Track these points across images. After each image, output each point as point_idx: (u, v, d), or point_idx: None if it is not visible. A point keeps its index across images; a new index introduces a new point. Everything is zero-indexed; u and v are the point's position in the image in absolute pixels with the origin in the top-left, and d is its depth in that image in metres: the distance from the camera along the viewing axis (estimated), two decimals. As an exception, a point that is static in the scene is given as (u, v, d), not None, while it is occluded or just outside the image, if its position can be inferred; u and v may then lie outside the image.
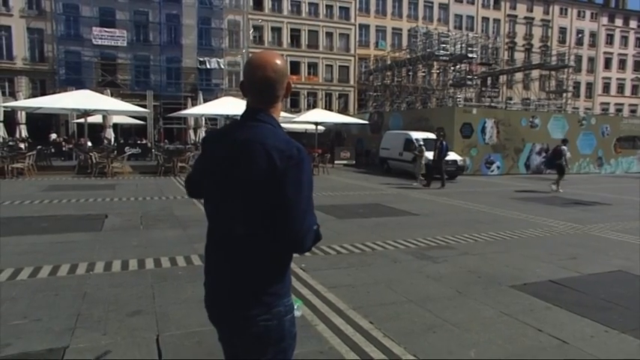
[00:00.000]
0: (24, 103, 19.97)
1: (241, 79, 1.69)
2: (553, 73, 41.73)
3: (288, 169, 1.51)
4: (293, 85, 1.75)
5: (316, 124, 23.06)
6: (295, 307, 1.74)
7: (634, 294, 4.79)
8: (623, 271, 5.63)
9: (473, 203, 11.35)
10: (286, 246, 1.60)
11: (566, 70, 40.41)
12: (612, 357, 3.33)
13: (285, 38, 41.64)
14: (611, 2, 57.33)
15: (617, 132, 24.88)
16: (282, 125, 1.68)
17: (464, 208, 10.73)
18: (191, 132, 27.51)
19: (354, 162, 24.88)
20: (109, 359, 3.13)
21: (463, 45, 35.35)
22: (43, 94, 28.18)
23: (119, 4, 35.41)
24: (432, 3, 47.43)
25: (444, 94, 38.63)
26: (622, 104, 55.78)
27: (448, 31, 42.64)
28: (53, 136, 27.35)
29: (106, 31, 34.58)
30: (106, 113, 19.93)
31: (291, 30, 41.97)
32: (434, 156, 15.10)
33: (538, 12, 52.20)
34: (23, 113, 21.86)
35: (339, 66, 44.25)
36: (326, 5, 43.07)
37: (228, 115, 19.25)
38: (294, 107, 39.23)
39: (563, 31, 53.65)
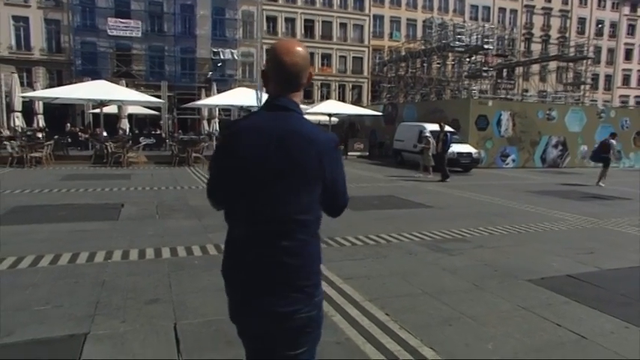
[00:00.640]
0: (41, 93, 20.28)
1: (261, 68, 1.68)
2: (571, 64, 40.99)
3: (330, 152, 1.63)
4: None
5: (330, 115, 22.98)
6: None
7: (654, 290, 4.70)
8: (643, 266, 5.52)
9: (487, 196, 11.24)
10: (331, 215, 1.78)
11: (584, 61, 39.64)
12: (634, 353, 3.28)
13: (299, 29, 41.47)
14: (633, -9, 55.92)
15: (638, 125, 24.34)
16: None
17: (478, 200, 10.63)
18: (205, 122, 27.65)
19: (367, 153, 24.76)
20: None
21: (479, 36, 34.90)
22: (60, 84, 28.52)
23: (134, -5, 35.63)
24: (448, -7, 46.79)
25: (459, 86, 38.21)
26: (643, 97, 54.61)
27: (464, 21, 42.09)
28: (68, 125, 27.70)
29: (121, 22, 34.81)
30: (121, 103, 20.11)
31: (305, 21, 41.79)
32: (437, 148, 14.92)
33: (557, 2, 51.12)
34: (41, 103, 22.19)
35: (353, 57, 43.97)
36: (340, -5, 42.76)
37: (242, 106, 19.26)
38: (308, 98, 39.12)
39: (582, 21, 52.47)
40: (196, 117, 33.02)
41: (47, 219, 7.26)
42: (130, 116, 26.15)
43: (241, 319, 1.68)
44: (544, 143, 21.72)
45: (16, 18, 33.60)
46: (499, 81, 43.07)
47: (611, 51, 53.57)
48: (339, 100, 36.00)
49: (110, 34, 34.68)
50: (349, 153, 23.78)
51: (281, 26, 40.92)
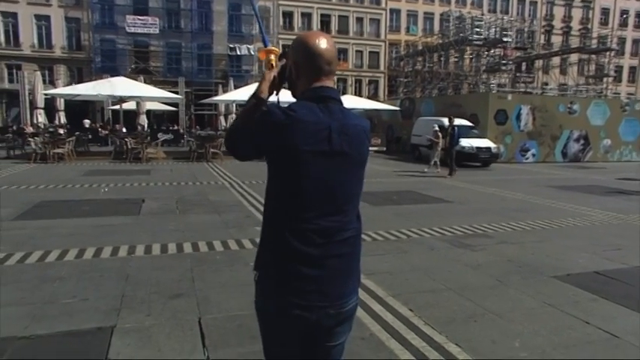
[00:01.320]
0: (63, 90, 20.65)
1: (274, 64, 1.65)
2: (593, 56, 39.99)
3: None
4: None
5: (346, 110, 22.78)
6: None
7: (686, 287, 4.57)
8: (673, 263, 5.37)
9: (508, 191, 11.07)
10: None
11: (607, 53, 38.63)
12: (666, 352, 3.19)
13: (315, 24, 41.30)
14: (660, -20, 54.14)
15: (663, 118, 23.65)
16: None
17: (499, 195, 10.48)
18: (222, 118, 27.78)
19: (384, 149, 24.59)
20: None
21: (497, 29, 34.28)
22: (80, 81, 28.99)
23: (152, -8, 35.94)
24: (466, -14, 46.04)
25: (477, 80, 37.64)
26: (668, 89, 52.99)
27: (482, 14, 41.27)
28: (87, 122, 28.16)
29: (139, 19, 35.16)
30: (140, 100, 20.35)
31: (321, 15, 41.59)
32: (445, 143, 14.70)
33: (579, -8, 49.86)
34: (62, 100, 22.61)
35: (370, 52, 43.64)
36: (356, -10, 42.44)
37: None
38: (324, 93, 38.97)
39: (605, 12, 51.03)
40: (213, 113, 33.20)
41: (71, 214, 7.39)
42: (148, 112, 26.48)
43: (295, 311, 1.50)
44: (565, 137, 21.29)
45: (38, 17, 34.20)
46: (518, 74, 42.30)
47: (636, 42, 51.98)
48: (355, 94, 35.79)
49: (128, 31, 35.07)
50: (366, 148, 23.60)
51: (297, 21, 40.83)
